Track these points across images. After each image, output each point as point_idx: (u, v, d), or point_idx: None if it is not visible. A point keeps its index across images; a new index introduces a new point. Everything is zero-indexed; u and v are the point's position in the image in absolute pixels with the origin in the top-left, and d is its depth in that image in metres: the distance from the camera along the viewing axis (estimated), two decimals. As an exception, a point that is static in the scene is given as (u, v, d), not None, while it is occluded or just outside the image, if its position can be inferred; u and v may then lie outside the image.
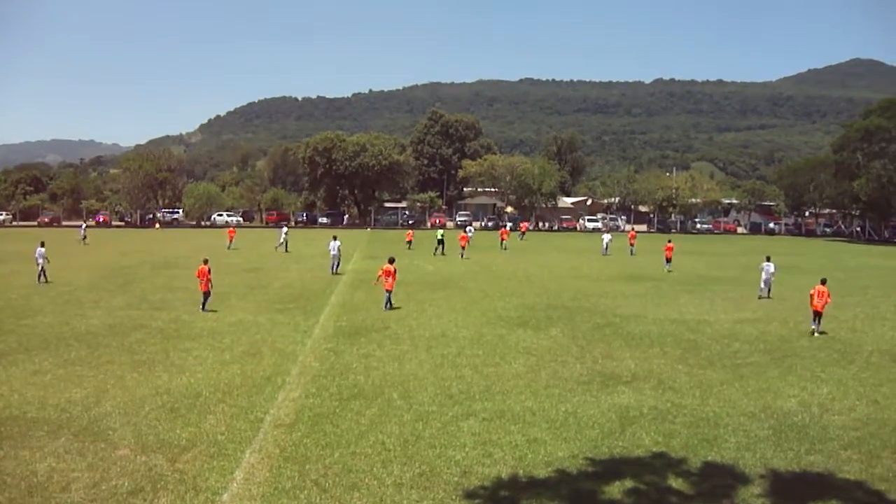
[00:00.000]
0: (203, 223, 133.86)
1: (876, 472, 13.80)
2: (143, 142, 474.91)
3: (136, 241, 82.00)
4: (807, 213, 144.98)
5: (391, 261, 34.50)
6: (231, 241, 76.04)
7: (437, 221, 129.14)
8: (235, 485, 12.90)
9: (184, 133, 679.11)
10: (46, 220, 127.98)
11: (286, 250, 69.11)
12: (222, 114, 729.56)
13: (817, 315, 29.25)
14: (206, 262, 33.56)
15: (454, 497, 12.47)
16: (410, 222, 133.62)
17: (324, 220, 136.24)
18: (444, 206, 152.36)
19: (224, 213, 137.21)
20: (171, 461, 13.92)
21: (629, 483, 13.08)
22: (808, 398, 18.91)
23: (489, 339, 26.44)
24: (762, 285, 39.86)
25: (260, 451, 14.54)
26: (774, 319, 31.61)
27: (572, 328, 28.89)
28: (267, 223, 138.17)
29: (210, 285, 32.80)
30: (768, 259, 40.83)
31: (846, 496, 12.67)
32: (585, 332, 28.19)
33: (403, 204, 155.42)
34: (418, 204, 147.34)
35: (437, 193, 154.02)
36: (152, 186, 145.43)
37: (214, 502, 12.16)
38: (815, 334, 28.74)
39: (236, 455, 14.33)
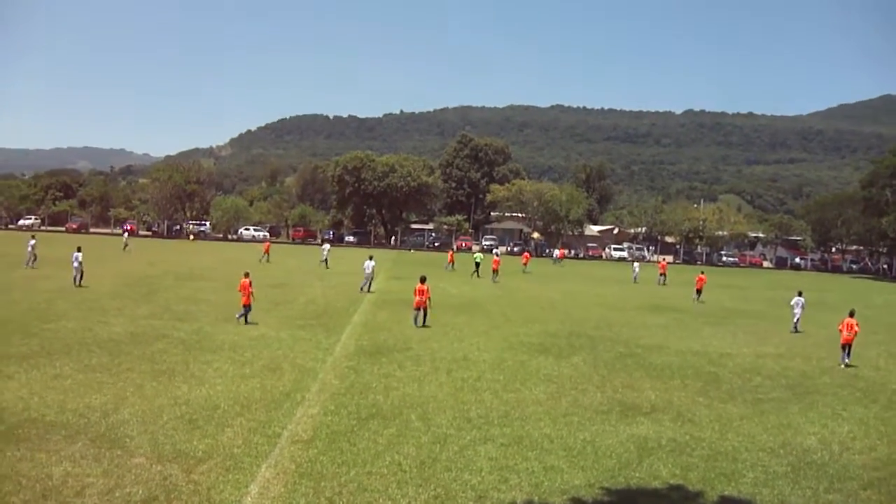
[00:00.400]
0: (230, 237, 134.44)
1: (895, 513, 13.69)
2: (173, 153, 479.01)
3: (164, 252, 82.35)
4: (833, 249, 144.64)
5: (423, 280, 35.22)
6: (267, 253, 77.60)
7: (464, 245, 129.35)
8: (250, 499, 12.89)
9: (214, 146, 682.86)
10: (74, 226, 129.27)
11: (326, 266, 70.76)
12: (253, 129, 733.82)
13: (846, 347, 29.77)
14: (247, 275, 34.00)
15: (468, 521, 12.42)
16: (437, 244, 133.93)
17: (350, 238, 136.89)
18: (470, 230, 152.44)
19: (251, 228, 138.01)
20: (187, 472, 13.92)
21: (645, 515, 13.02)
22: (828, 436, 18.75)
23: (510, 365, 26.34)
24: (795, 319, 39.92)
25: (276, 467, 14.53)
26: (797, 355, 31.41)
27: (594, 357, 28.78)
28: (293, 239, 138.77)
29: (252, 298, 33.10)
30: (800, 294, 41.06)
31: (864, 537, 12.57)
32: (607, 361, 28.07)
33: (430, 226, 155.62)
34: (445, 227, 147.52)
35: (465, 217, 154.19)
36: (181, 198, 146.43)
37: (228, 515, 12.15)
38: (843, 367, 29.14)
39: (252, 469, 14.32)
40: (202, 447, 15.35)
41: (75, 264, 44.11)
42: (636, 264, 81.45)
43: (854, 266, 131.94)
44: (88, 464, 14.01)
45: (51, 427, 16.01)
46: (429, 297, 35.19)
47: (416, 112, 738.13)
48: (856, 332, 29.81)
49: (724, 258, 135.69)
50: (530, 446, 16.70)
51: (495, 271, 66.53)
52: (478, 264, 70.55)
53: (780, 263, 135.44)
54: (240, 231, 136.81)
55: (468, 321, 37.02)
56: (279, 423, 17.49)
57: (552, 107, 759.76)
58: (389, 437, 16.93)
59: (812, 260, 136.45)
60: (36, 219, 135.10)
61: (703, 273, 59.29)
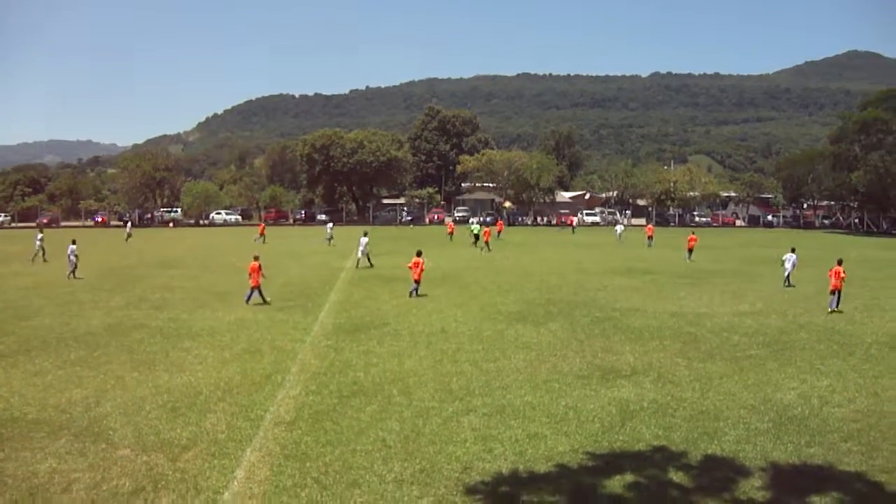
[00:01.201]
0: (202, 222, 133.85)
1: (876, 463, 13.80)
2: (140, 141, 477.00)
3: (136, 241, 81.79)
4: (805, 206, 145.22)
5: (419, 254, 37.20)
6: (262, 235, 79.91)
7: (437, 217, 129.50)
8: (236, 483, 12.89)
9: (181, 132, 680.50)
10: (45, 220, 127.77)
11: (330, 244, 73.10)
12: (220, 112, 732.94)
13: (835, 293, 32.37)
14: (256, 258, 35.12)
15: (455, 493, 12.47)
16: (409, 219, 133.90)
17: (322, 216, 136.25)
18: (442, 202, 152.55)
19: (223, 212, 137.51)
20: (172, 460, 13.90)
21: (630, 477, 13.08)
22: (807, 390, 18.90)
23: (488, 335, 26.40)
24: (786, 274, 41.41)
25: (260, 450, 14.53)
26: (773, 312, 31.62)
27: (571, 322, 28.89)
28: (266, 221, 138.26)
29: (260, 280, 34.00)
30: (793, 250, 42.30)
31: (846, 488, 12.66)
32: (584, 326, 28.18)
33: (402, 200, 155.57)
34: (416, 200, 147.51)
35: (436, 189, 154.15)
36: (150, 186, 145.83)
37: (216, 501, 12.15)
38: (830, 311, 31.48)
39: (237, 453, 14.32)
40: (186, 435, 15.33)
41: (71, 257, 44.42)
42: (619, 226, 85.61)
43: (826, 221, 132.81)
44: (74, 459, 13.95)
45: (33, 425, 15.92)
46: (422, 270, 36.86)
47: (383, 87, 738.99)
48: (843, 278, 32.40)
49: (697, 218, 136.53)
50: (513, 415, 16.77)
51: (486, 242, 68.06)
52: (476, 235, 72.17)
53: (753, 222, 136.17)
54: (211, 216, 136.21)
55: (445, 293, 37.07)
56: (261, 406, 17.49)
57: (518, 75, 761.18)
58: (372, 413, 16.97)
59: (784, 217, 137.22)
60: (5, 216, 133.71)
61: (693, 234, 62.47)
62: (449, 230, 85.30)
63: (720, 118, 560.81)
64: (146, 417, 16.53)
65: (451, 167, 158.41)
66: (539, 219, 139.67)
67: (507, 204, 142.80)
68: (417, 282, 36.59)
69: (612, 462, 13.87)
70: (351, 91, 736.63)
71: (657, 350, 23.86)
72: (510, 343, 24.94)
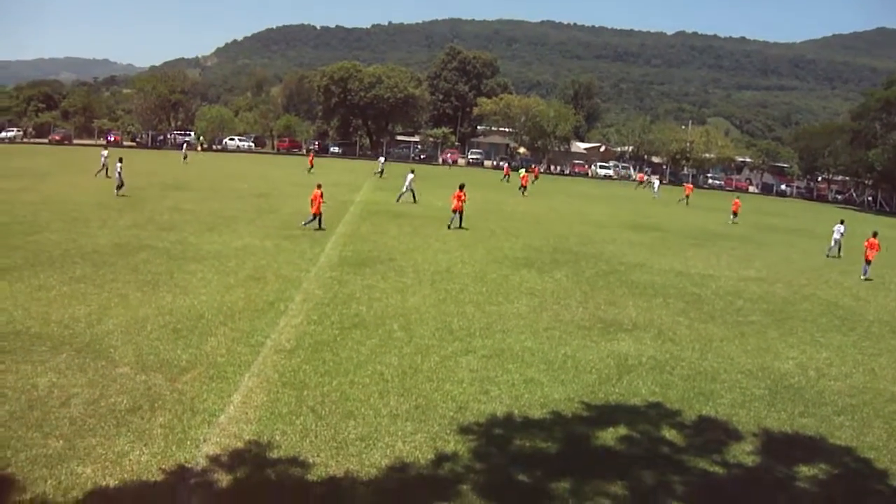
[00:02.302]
0: (215, 147, 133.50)
1: (867, 440, 13.82)
2: (157, 63, 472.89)
3: (149, 163, 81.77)
4: (819, 178, 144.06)
5: (461, 187, 39.96)
6: (311, 165, 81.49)
7: (450, 157, 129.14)
8: (233, 407, 12.95)
9: (199, 56, 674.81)
10: (58, 137, 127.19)
11: (381, 177, 76.23)
12: (239, 38, 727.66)
13: (869, 263, 34.91)
14: (319, 186, 36.38)
15: (448, 431, 12.54)
16: (422, 157, 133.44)
17: (335, 149, 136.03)
18: (456, 143, 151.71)
19: (236, 138, 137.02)
20: (171, 381, 13.99)
21: (623, 430, 13.14)
22: (806, 361, 18.87)
23: (493, 278, 26.44)
24: (832, 244, 42.46)
25: (259, 376, 14.60)
26: (779, 280, 31.55)
27: (577, 273, 28.89)
28: (278, 150, 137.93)
29: (321, 208, 35.54)
30: (842, 222, 43.48)
31: (835, 461, 12.70)
32: (590, 277, 28.19)
33: (416, 138, 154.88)
34: (431, 139, 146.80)
35: (451, 130, 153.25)
36: (165, 108, 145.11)
37: (211, 424, 12.22)
38: (863, 279, 34.11)
39: (235, 378, 14.39)
40: (186, 357, 15.41)
41: (117, 173, 45.96)
42: (655, 180, 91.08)
43: (839, 196, 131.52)
44: (73, 374, 14.01)
45: (35, 339, 15.97)
46: (464, 202, 39.49)
47: (405, 23, 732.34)
48: (877, 250, 35.38)
49: (710, 181, 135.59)
50: (511, 359, 16.82)
51: (524, 186, 69.81)
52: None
53: (766, 189, 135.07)
54: (224, 141, 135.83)
55: (453, 234, 37.05)
56: (262, 333, 17.55)
57: (542, 22, 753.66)
58: (372, 347, 17.04)
59: (798, 188, 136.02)
60: (18, 131, 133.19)
61: (738, 198, 65.65)
62: (505, 172, 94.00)
63: (742, 83, 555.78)
64: (147, 337, 16.60)
65: (467, 109, 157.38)
66: (552, 167, 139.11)
67: (522, 150, 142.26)
68: (456, 212, 39.25)
69: (607, 414, 13.92)
70: (373, 25, 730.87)
71: (660, 307, 23.86)
72: (514, 288, 25.00)
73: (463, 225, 39.08)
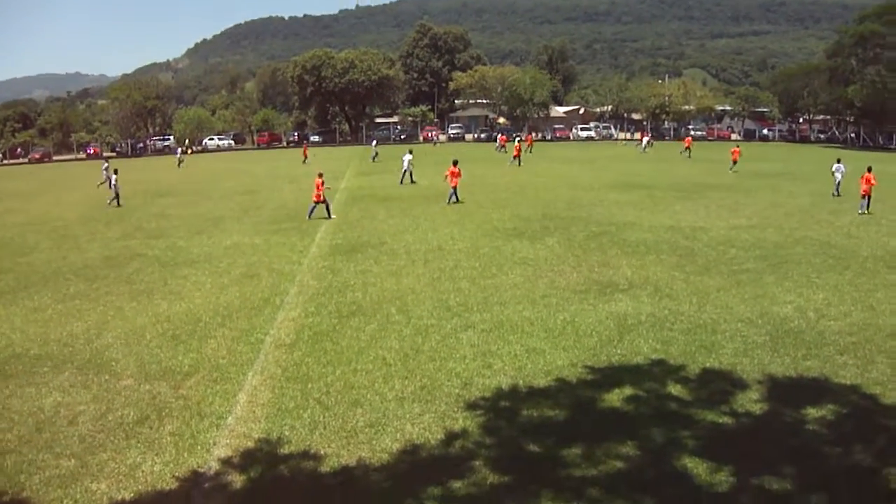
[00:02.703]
0: (194, 148, 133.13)
1: (871, 376, 13.85)
2: (129, 71, 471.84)
3: (130, 171, 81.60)
4: (801, 120, 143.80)
5: (455, 163, 41.03)
6: (305, 156, 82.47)
7: (431, 135, 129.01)
8: (239, 407, 12.98)
9: (171, 59, 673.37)
10: (37, 155, 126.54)
11: (374, 161, 77.64)
12: (209, 37, 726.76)
13: (865, 198, 35.39)
14: (320, 175, 36.77)
15: (455, 409, 12.58)
16: (403, 137, 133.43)
17: (315, 138, 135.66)
18: (435, 120, 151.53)
19: (215, 137, 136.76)
20: (175, 388, 13.99)
21: (628, 390, 13.18)
22: (804, 304, 18.88)
23: (485, 251, 26.44)
24: (836, 184, 42.71)
25: (262, 373, 14.63)
26: (770, 226, 31.57)
27: (568, 237, 28.91)
28: (258, 145, 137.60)
29: (323, 196, 36.11)
30: (839, 161, 43.69)
31: (842, 400, 12.73)
32: (581, 241, 28.21)
33: (395, 119, 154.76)
34: (410, 118, 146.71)
35: (429, 107, 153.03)
36: (142, 115, 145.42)
37: (219, 426, 12.24)
38: (860, 213, 34.89)
39: (239, 378, 14.41)
40: (188, 362, 15.41)
41: (115, 185, 46.20)
42: (645, 138, 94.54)
43: (822, 136, 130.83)
44: (78, 391, 14.00)
45: (36, 360, 15.95)
46: (459, 177, 40.55)
47: (373, 5, 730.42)
48: (873, 184, 35.48)
49: (692, 132, 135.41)
50: (511, 330, 16.87)
51: (517, 157, 69.75)
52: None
53: (749, 136, 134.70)
54: (204, 142, 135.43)
55: (440, 211, 37.10)
56: (261, 330, 17.57)
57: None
58: (372, 332, 17.07)
59: (780, 131, 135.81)
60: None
61: (738, 146, 66.51)
62: (501, 142, 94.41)
63: (715, 31, 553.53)
64: (147, 346, 16.59)
65: (443, 84, 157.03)
66: (534, 134, 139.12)
67: (501, 120, 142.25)
68: (455, 188, 40.09)
69: (611, 376, 13.96)
70: (340, 11, 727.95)
71: (654, 264, 23.90)
72: (507, 259, 25.01)
73: (459, 200, 39.66)
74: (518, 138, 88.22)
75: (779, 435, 11.46)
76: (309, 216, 35.68)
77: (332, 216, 35.66)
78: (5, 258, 28.98)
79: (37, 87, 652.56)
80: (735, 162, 61.80)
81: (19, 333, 18.11)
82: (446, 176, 40.41)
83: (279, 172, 68.86)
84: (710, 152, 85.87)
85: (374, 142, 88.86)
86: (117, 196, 45.62)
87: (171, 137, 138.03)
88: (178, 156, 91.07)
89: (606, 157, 77.07)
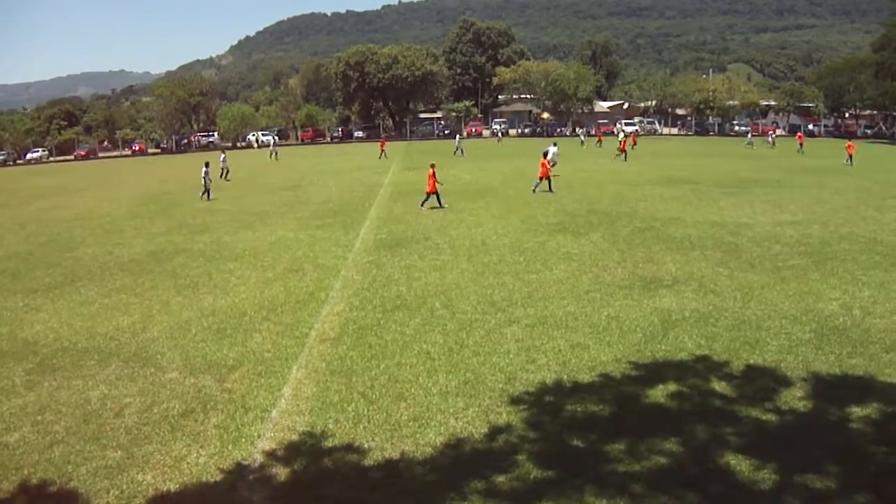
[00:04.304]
0: (238, 144, 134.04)
1: (917, 374, 13.70)
2: (173, 68, 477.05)
3: (175, 167, 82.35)
4: (847, 115, 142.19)
5: (545, 154, 44.22)
6: (383, 151, 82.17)
7: (474, 130, 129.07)
8: (284, 401, 13.04)
9: (214, 56, 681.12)
10: (83, 153, 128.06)
11: (462, 154, 77.37)
12: (252, 34, 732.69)
13: None
14: (432, 166, 37.94)
15: (499, 403, 12.58)
16: (446, 132, 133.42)
17: (359, 133, 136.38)
18: (479, 115, 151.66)
19: (259, 133, 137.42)
20: (220, 381, 14.10)
21: (672, 386, 13.12)
22: (849, 301, 18.60)
23: (529, 246, 26.37)
24: None
25: (306, 367, 14.69)
26: (815, 222, 31.18)
27: (612, 233, 28.78)
28: (302, 140, 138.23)
29: (435, 186, 36.74)
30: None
31: (887, 399, 12.55)
32: (625, 236, 28.08)
33: (439, 114, 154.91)
34: (453, 114, 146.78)
35: (472, 102, 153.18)
36: (186, 111, 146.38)
37: (264, 419, 12.32)
38: None
39: (283, 372, 14.48)
40: (233, 355, 15.53)
41: (206, 179, 47.09)
42: (771, 133, 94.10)
43: (868, 131, 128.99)
44: (124, 384, 14.17)
45: (83, 353, 16.14)
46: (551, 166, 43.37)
47: (415, 1, 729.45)
48: None
49: (737, 128, 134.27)
50: (555, 325, 16.81)
51: (623, 151, 69.97)
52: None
53: (793, 131, 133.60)
54: (248, 137, 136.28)
55: (485, 206, 37.06)
56: (306, 324, 17.65)
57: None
58: (416, 326, 17.10)
59: (826, 126, 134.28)
60: (43, 151, 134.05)
61: (850, 142, 67.21)
62: (598, 138, 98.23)
63: (759, 26, 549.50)
64: (192, 340, 16.74)
65: (487, 80, 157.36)
66: (577, 129, 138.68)
67: (545, 115, 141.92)
68: (543, 178, 42.08)
69: (655, 371, 13.90)
70: (383, 7, 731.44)
71: (698, 260, 23.74)
72: (551, 254, 24.94)
73: (552, 188, 41.85)
74: (623, 133, 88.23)
75: (823, 433, 11.34)
76: (422, 205, 36.63)
77: (444, 206, 36.39)
78: (53, 253, 29.36)
79: (82, 84, 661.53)
80: (850, 157, 62.02)
81: (67, 327, 18.33)
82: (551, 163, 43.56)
83: (322, 168, 69.08)
84: (755, 148, 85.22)
85: (458, 136, 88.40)
86: (207, 190, 46.36)
87: (216, 134, 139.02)
88: (272, 148, 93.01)
89: (649, 152, 76.52)
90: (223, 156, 63.01)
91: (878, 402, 12.32)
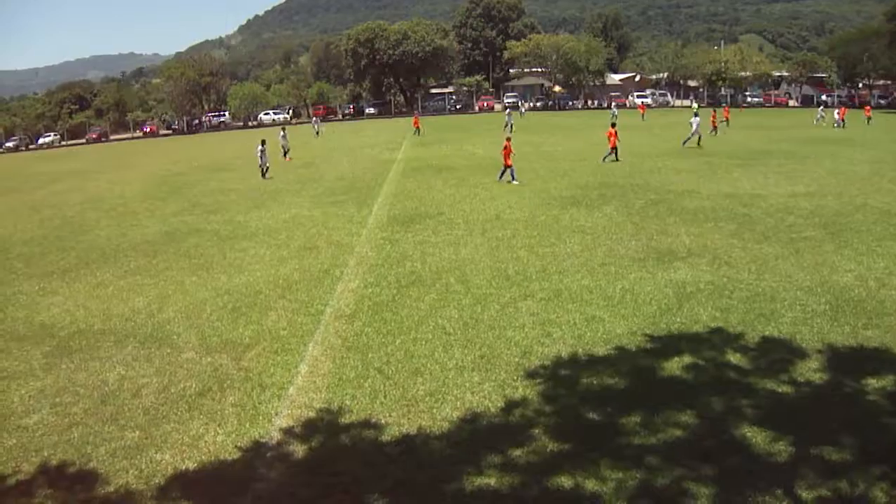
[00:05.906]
0: (250, 123, 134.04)
1: (934, 345, 13.64)
2: (182, 49, 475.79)
3: (187, 148, 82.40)
4: (860, 85, 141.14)
5: (613, 125, 45.07)
6: (417, 127, 79.00)
7: (486, 105, 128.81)
8: (300, 378, 13.09)
9: (223, 36, 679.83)
10: (94, 135, 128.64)
11: (512, 130, 70.91)
12: (261, 13, 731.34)
13: None
14: (508, 139, 38.22)
15: (515, 378, 12.60)
16: (458, 107, 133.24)
17: (371, 110, 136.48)
18: (491, 89, 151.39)
19: (270, 112, 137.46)
20: (236, 360, 14.16)
21: (687, 359, 13.11)
22: (864, 272, 18.50)
23: (543, 220, 26.38)
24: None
25: (322, 344, 14.73)
26: (829, 193, 30.99)
27: (626, 205, 28.75)
28: (314, 117, 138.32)
29: (510, 160, 36.65)
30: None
31: (904, 370, 12.57)
32: (639, 208, 28.04)
33: (450, 89, 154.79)
34: (465, 88, 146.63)
35: (484, 76, 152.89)
36: (196, 92, 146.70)
37: (281, 397, 12.38)
38: None
39: (299, 349, 14.52)
40: (248, 334, 15.59)
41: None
42: (819, 109, 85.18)
43: (882, 101, 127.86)
44: (141, 365, 14.24)
45: (99, 335, 16.23)
46: (618, 139, 44.05)
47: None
48: None
49: (749, 99, 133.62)
50: (570, 299, 16.83)
51: (714, 128, 61.82)
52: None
53: (807, 101, 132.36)
54: (259, 116, 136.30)
55: (497, 182, 36.95)
56: (321, 301, 17.70)
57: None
58: (431, 302, 17.14)
59: (839, 97, 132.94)
60: (55, 135, 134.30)
61: (843, 107, 72.05)
62: (641, 110, 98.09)
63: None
64: (208, 319, 16.82)
65: (497, 54, 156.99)
66: (589, 102, 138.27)
67: (557, 88, 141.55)
68: (613, 149, 43.42)
69: (670, 344, 13.90)
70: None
71: (712, 231, 23.68)
72: (565, 228, 24.94)
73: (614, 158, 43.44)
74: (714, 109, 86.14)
75: (838, 405, 11.30)
76: (499, 178, 36.75)
77: (515, 181, 35.86)
78: (67, 236, 29.50)
79: (91, 68, 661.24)
80: (843, 120, 67.77)
81: (83, 309, 18.42)
82: (609, 137, 43.77)
83: (334, 144, 69.07)
84: (768, 119, 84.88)
85: (509, 110, 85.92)
86: (267, 169, 45.69)
87: (227, 113, 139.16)
88: (316, 126, 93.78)
89: (662, 124, 76.19)
90: (283, 132, 60.59)
91: (893, 374, 12.26)
